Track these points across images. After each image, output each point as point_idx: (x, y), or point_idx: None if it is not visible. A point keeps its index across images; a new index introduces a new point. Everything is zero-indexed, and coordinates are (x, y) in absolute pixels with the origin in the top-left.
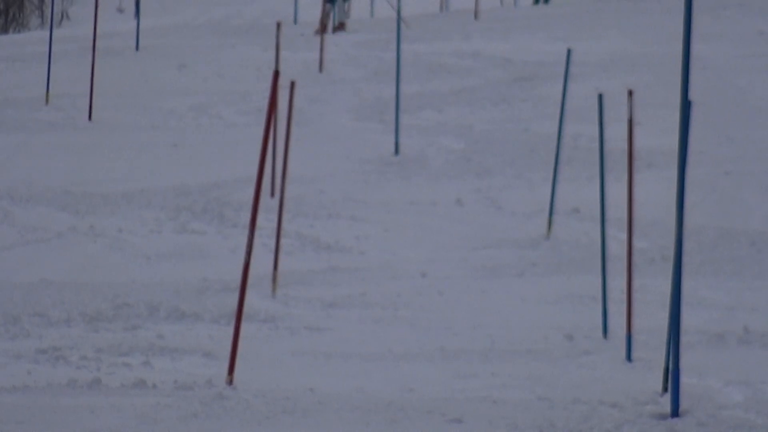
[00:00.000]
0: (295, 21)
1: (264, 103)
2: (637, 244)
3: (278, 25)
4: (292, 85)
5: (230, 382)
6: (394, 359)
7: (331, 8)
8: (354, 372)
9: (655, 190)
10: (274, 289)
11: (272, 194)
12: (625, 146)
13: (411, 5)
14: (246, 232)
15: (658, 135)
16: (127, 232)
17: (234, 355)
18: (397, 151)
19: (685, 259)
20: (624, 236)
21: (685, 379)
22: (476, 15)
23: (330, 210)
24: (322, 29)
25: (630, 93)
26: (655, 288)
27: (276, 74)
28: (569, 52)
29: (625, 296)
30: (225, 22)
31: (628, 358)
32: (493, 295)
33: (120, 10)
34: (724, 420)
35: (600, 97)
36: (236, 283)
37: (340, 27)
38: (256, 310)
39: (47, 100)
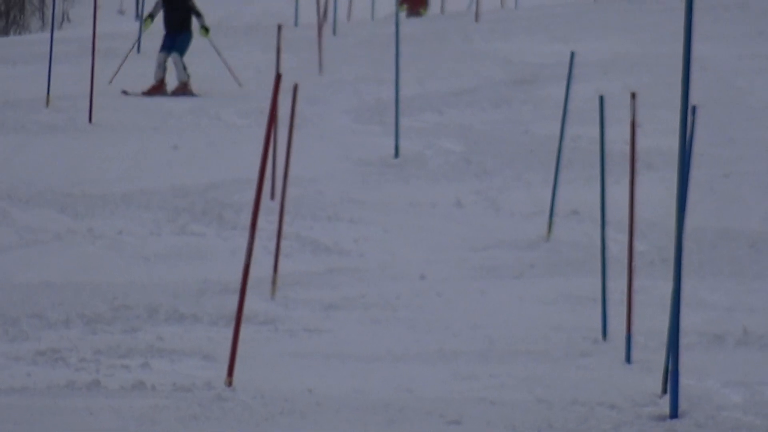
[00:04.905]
0: (296, 23)
1: (264, 105)
2: (637, 245)
3: (279, 28)
4: (295, 88)
5: (229, 383)
6: (393, 360)
7: (166, 57)
8: (353, 373)
9: (654, 192)
10: (273, 291)
11: (272, 196)
12: (625, 148)
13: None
14: (245, 233)
15: (658, 136)
16: (127, 233)
17: (233, 356)
18: (396, 152)
19: (685, 260)
20: (623, 238)
21: (684, 381)
22: (476, 17)
23: (329, 212)
24: (159, 86)
25: (633, 95)
26: (654, 289)
27: (278, 77)
28: (572, 54)
29: (624, 297)
30: (225, 23)
31: (628, 359)
32: (492, 297)
33: (121, 12)
34: (723, 421)
35: (601, 98)
36: (235, 284)
37: (182, 87)
38: (255, 311)
39: (48, 102)
